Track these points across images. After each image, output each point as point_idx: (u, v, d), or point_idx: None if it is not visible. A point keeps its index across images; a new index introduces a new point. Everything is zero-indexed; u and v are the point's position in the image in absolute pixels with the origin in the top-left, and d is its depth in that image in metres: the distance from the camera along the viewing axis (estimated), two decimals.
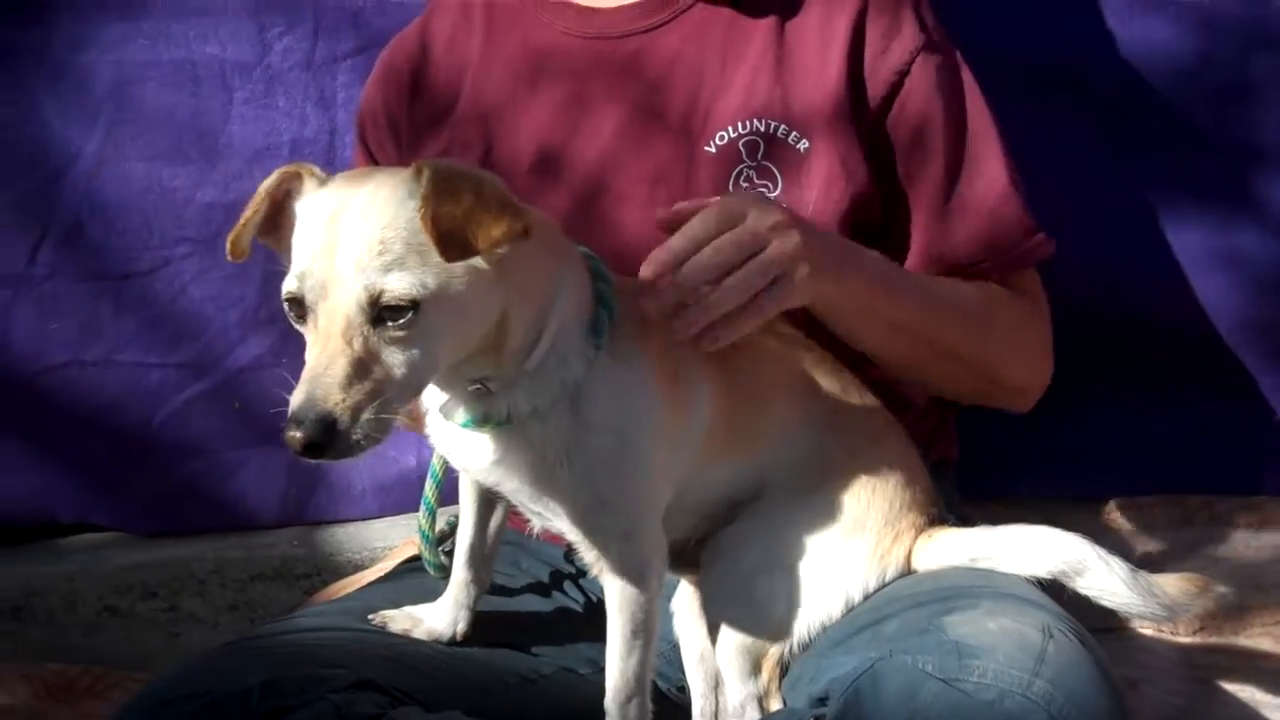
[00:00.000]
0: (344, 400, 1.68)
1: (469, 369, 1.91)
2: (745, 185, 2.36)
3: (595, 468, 1.99)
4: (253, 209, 1.86)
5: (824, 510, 2.15)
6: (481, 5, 2.56)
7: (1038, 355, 2.53)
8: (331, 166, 2.95)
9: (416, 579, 2.42)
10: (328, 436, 1.67)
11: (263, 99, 3.07)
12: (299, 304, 1.78)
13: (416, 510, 3.06)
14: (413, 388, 1.78)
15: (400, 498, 3.20)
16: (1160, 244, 2.95)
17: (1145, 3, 2.90)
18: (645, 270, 1.97)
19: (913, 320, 2.30)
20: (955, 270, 2.44)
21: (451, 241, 1.70)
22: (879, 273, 2.26)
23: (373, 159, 2.62)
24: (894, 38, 2.38)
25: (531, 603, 2.45)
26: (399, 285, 1.71)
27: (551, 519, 2.10)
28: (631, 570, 2.03)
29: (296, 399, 1.69)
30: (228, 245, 1.86)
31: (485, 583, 2.30)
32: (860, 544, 2.16)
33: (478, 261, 1.78)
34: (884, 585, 2.15)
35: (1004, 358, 2.46)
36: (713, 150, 2.40)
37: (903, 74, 2.39)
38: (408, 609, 2.30)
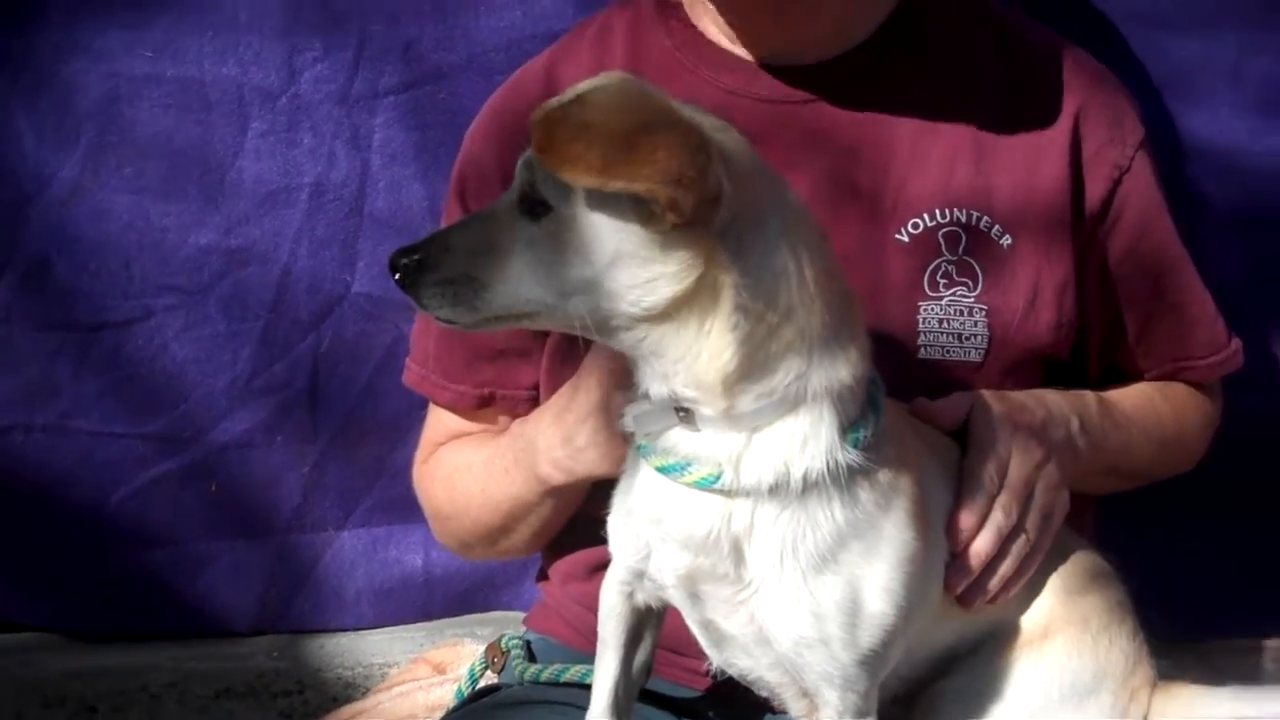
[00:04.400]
0: (448, 260, 1.71)
1: (659, 360, 1.72)
2: (943, 282, 2.19)
3: (848, 592, 1.78)
4: None
5: (1054, 665, 2.00)
6: (623, 54, 2.30)
7: (1197, 456, 2.48)
8: (357, 218, 2.79)
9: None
10: (411, 277, 1.72)
11: (284, 132, 2.78)
12: None
13: (420, 621, 2.97)
14: (510, 294, 1.71)
15: (401, 605, 2.96)
16: None
17: (1271, 118, 2.76)
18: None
19: (1112, 466, 2.25)
20: (1159, 375, 2.38)
21: (550, 144, 1.60)
22: (1103, 446, 2.20)
23: None
24: (1116, 129, 2.25)
25: None
26: (542, 180, 1.67)
27: (743, 655, 1.87)
28: None
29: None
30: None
31: None
32: (1097, 704, 2.02)
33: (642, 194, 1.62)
34: None
35: (1176, 465, 2.45)
36: (905, 240, 2.19)
37: (1124, 171, 2.25)
38: None
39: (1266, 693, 2.06)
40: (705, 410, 1.71)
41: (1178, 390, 2.38)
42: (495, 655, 2.38)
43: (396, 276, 1.72)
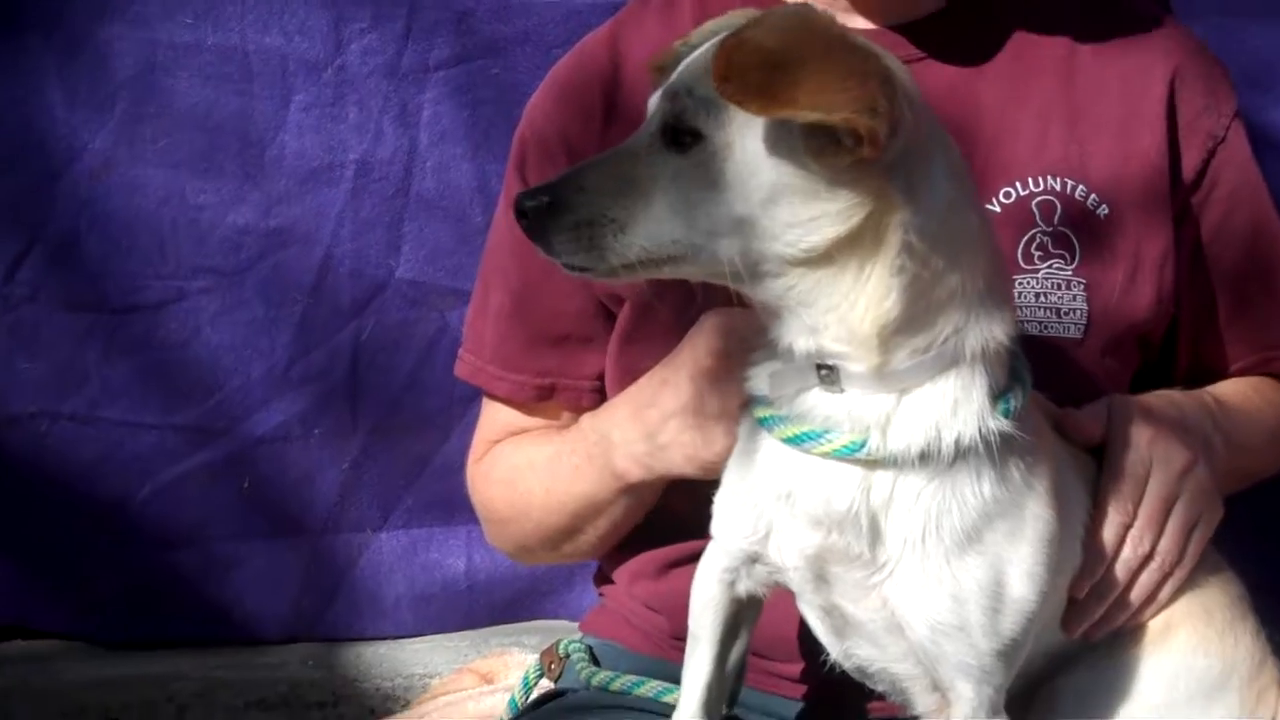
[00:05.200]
0: (582, 200, 1.59)
1: (809, 310, 1.61)
2: (1039, 254, 2.09)
3: (992, 575, 1.67)
4: None
5: (1179, 662, 1.90)
6: (694, 23, 2.19)
7: None
8: (403, 199, 2.71)
9: None
10: (540, 221, 1.60)
11: (329, 106, 2.73)
12: None
13: (463, 629, 2.87)
14: (653, 235, 1.60)
15: (443, 612, 2.89)
16: None
17: None
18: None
19: (1237, 466, 2.12)
20: (1245, 366, 2.26)
21: (738, 74, 1.49)
22: (1232, 444, 2.07)
23: None
24: (1212, 97, 2.16)
25: None
26: (693, 107, 1.58)
27: (868, 644, 1.75)
28: None
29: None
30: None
31: None
32: (1225, 704, 1.91)
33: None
34: None
35: (1269, 466, 2.31)
36: (997, 209, 2.11)
37: (1219, 141, 2.16)
38: None
39: None
40: (854, 367, 1.60)
41: (1268, 385, 2.27)
42: (552, 661, 2.24)
43: (524, 221, 1.62)
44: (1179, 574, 1.88)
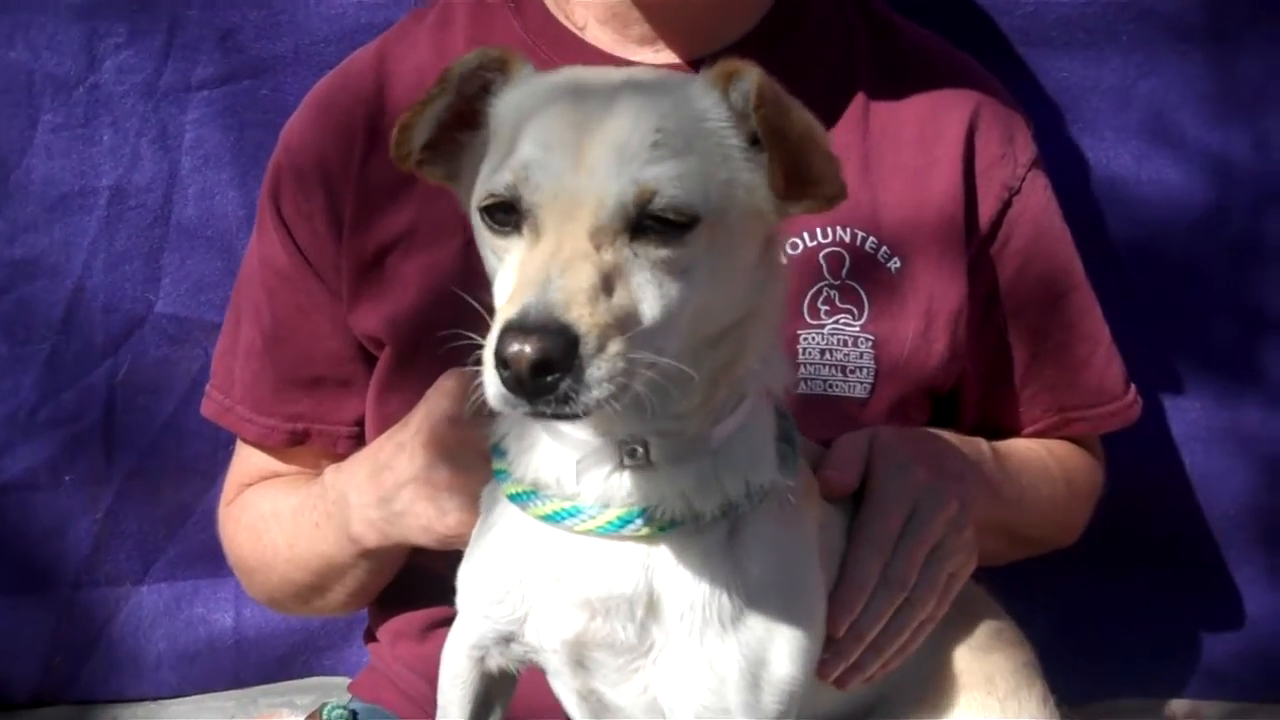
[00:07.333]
0: (590, 315, 1.33)
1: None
2: (825, 309, 2.04)
3: (758, 653, 1.59)
4: (433, 94, 1.54)
5: None
6: (466, 43, 2.12)
7: (1080, 528, 2.36)
8: (164, 225, 2.55)
9: None
10: (567, 356, 1.30)
11: (80, 127, 2.57)
12: (508, 208, 1.44)
13: (230, 688, 2.72)
14: (658, 340, 1.41)
15: (209, 671, 2.74)
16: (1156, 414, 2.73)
17: (1157, 144, 2.68)
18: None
19: (1004, 523, 2.09)
20: (1042, 428, 2.24)
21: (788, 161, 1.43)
22: (1000, 498, 2.05)
23: (286, 228, 2.11)
24: (1008, 146, 2.12)
25: None
26: (679, 188, 1.40)
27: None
28: None
29: (523, 299, 1.33)
30: (392, 142, 1.55)
31: None
32: None
33: (766, 208, 1.49)
34: None
35: (1060, 533, 2.32)
36: (783, 260, 2.01)
37: (1014, 192, 2.12)
38: None
39: None
40: (681, 434, 1.52)
41: (1065, 449, 2.26)
42: None
43: (540, 384, 1.33)
44: (929, 622, 1.81)
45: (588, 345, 1.31)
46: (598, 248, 1.37)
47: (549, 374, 1.30)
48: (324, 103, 2.14)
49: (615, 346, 1.32)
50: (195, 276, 2.54)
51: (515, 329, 1.29)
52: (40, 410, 2.60)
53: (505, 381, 1.30)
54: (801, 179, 1.44)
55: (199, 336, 2.56)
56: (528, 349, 1.29)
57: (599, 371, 1.31)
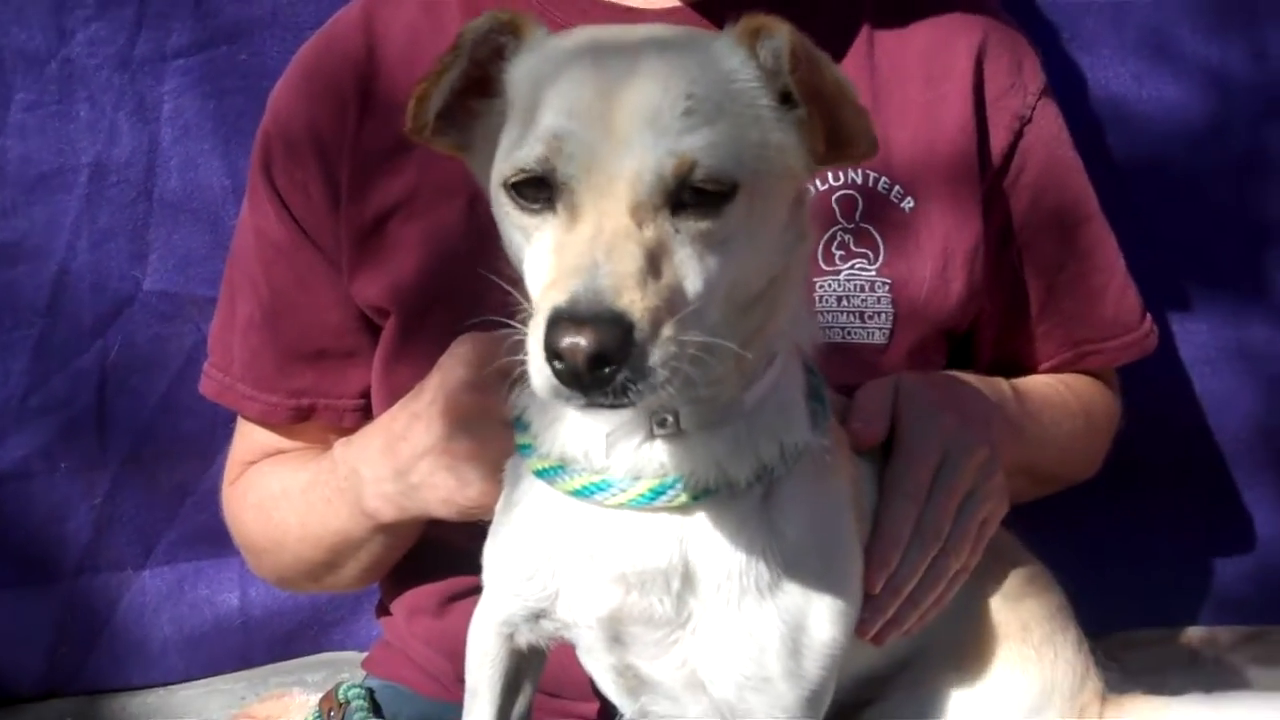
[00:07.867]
0: (641, 300, 1.28)
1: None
2: (840, 254, 2.00)
3: (798, 619, 1.57)
4: (446, 63, 1.46)
5: (995, 682, 1.88)
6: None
7: (1100, 461, 2.34)
8: (148, 201, 2.50)
9: None
10: (623, 347, 1.26)
11: (55, 104, 2.50)
12: (540, 183, 1.37)
13: (239, 669, 2.68)
14: (704, 318, 1.36)
15: (216, 653, 2.71)
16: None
17: (1156, 60, 2.66)
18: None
19: (1029, 464, 2.06)
20: (1058, 363, 2.22)
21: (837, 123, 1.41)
22: (1023, 438, 2.03)
23: (280, 199, 2.06)
24: (1017, 75, 2.08)
25: None
26: (716, 157, 1.35)
27: (667, 702, 1.64)
28: None
29: (570, 286, 1.28)
30: (408, 114, 1.48)
31: None
32: None
33: (797, 168, 1.45)
34: None
35: (1080, 469, 2.31)
36: None
37: (1025, 121, 2.08)
38: None
39: (1221, 700, 2.01)
40: (714, 401, 1.48)
41: (1082, 383, 2.24)
42: (331, 708, 2.11)
43: (598, 376, 1.28)
44: (963, 572, 1.80)
45: (642, 333, 1.27)
46: (640, 225, 1.32)
47: (605, 366, 1.26)
48: (311, 67, 2.08)
49: (668, 330, 1.29)
50: (182, 251, 2.49)
51: (566, 319, 1.25)
52: (31, 397, 2.55)
53: (559, 375, 1.25)
54: (835, 139, 1.40)
55: (190, 313, 2.51)
56: (583, 342, 1.25)
57: (654, 359, 1.28)
